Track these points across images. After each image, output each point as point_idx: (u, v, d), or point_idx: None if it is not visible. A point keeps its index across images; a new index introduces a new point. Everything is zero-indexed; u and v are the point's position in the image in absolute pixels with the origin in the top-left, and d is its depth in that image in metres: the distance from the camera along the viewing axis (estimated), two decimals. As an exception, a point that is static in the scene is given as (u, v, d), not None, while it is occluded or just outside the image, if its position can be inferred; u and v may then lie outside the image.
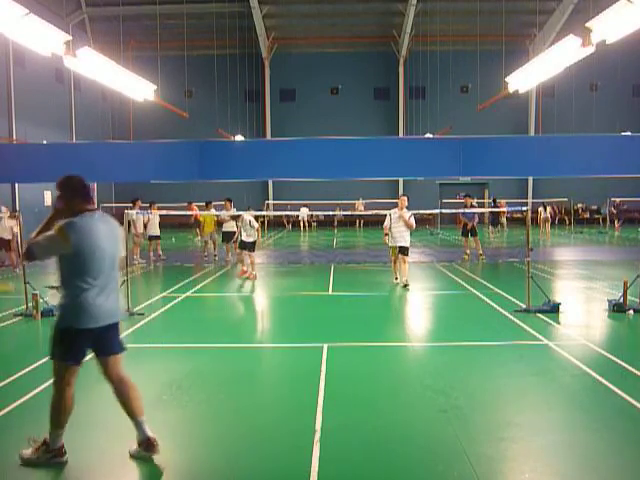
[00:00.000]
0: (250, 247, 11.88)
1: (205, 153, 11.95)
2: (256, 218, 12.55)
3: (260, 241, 11.83)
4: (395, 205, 11.04)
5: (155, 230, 15.23)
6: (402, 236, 10.49)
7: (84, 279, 3.39)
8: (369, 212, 24.82)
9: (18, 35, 9.05)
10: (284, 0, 28.50)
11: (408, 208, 10.79)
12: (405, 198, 10.83)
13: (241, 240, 12.08)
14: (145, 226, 15.09)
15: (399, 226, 10.50)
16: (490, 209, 20.04)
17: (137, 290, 9.50)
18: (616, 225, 26.44)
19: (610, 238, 22.09)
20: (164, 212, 15.45)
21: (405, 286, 10.30)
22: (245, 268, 12.05)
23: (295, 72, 32.51)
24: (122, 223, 9.28)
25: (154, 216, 15.12)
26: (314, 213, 28.33)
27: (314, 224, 30.75)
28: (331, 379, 5.18)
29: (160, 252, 15.55)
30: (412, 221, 10.60)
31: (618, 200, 27.32)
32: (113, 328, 3.60)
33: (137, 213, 14.34)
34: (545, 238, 21.81)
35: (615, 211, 26.96)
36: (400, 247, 10.50)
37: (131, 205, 14.71)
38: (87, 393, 4.46)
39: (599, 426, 4.14)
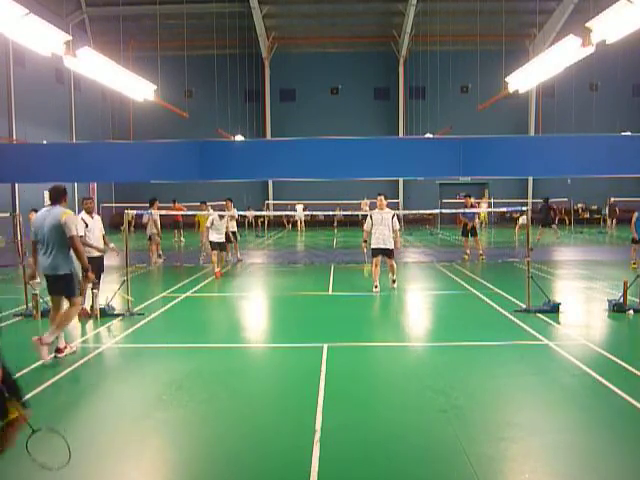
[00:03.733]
0: (222, 247, 12.49)
1: (205, 153, 11.95)
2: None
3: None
4: (394, 206, 10.99)
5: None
6: (385, 239, 9.80)
7: (37, 245, 5.98)
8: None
9: (18, 35, 9.06)
10: (284, 0, 28.50)
11: (408, 208, 10.81)
12: (383, 197, 9.99)
13: (212, 241, 12.26)
14: (145, 226, 15.06)
15: (382, 228, 9.79)
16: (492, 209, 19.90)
17: (137, 290, 9.49)
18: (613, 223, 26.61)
19: (610, 238, 22.08)
20: (164, 212, 15.43)
21: (393, 281, 10.18)
22: (218, 268, 12.16)
23: (295, 72, 32.50)
24: (122, 223, 9.32)
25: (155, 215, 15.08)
26: (312, 213, 28.08)
27: (301, 224, 28.80)
28: (331, 379, 5.18)
29: (160, 252, 15.54)
30: (397, 226, 10.05)
31: (612, 199, 27.34)
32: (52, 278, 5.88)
33: (146, 213, 14.33)
34: (513, 240, 20.76)
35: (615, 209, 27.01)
36: (384, 250, 9.83)
37: (148, 205, 14.75)
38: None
39: (599, 426, 4.15)
